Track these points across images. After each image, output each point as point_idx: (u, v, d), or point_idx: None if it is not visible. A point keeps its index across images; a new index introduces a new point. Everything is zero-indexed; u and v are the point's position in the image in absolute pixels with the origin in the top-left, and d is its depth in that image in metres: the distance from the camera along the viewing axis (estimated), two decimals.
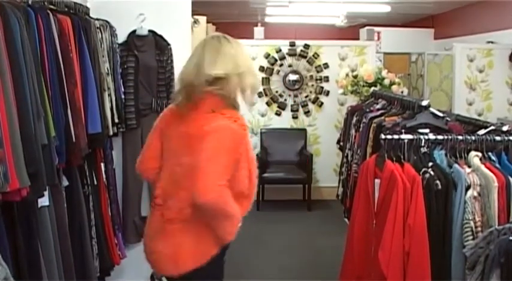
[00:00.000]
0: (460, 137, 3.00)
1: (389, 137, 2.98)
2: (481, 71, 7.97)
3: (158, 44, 4.74)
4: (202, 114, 2.72)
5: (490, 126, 3.27)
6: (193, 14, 5.09)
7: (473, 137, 2.98)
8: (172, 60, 4.76)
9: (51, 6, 3.40)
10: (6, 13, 2.69)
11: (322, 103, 7.94)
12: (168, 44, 4.75)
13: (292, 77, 7.94)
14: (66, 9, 3.63)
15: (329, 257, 5.32)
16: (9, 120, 2.54)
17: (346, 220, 5.51)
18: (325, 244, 6.00)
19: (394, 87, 6.60)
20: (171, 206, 2.82)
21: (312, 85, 7.97)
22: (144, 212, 4.92)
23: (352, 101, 7.22)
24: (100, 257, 4.10)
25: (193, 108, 2.76)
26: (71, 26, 3.52)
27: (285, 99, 8.03)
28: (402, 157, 2.94)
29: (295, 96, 8.00)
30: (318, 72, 7.91)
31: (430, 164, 2.86)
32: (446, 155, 2.95)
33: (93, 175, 4.13)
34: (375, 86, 6.63)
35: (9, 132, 2.53)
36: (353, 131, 4.76)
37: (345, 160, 5.08)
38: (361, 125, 4.47)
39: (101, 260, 4.11)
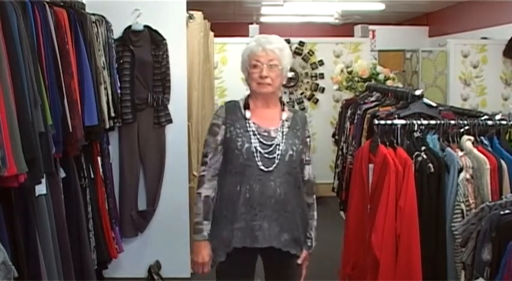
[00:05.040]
0: (453, 122, 3.03)
1: (382, 122, 3.01)
2: (475, 67, 8.00)
3: (154, 39, 4.77)
4: None
5: (483, 115, 3.31)
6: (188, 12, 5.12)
7: (465, 122, 3.02)
8: (167, 55, 4.81)
9: (48, 0, 3.43)
10: (3, 4, 2.73)
11: (317, 100, 7.96)
12: (164, 39, 4.79)
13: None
14: (62, 3, 3.67)
15: (326, 252, 5.33)
16: (7, 107, 2.58)
17: (341, 213, 5.53)
18: (322, 239, 6.00)
19: (388, 82, 6.63)
20: None
21: (307, 82, 7.99)
22: (141, 206, 4.96)
23: (347, 97, 7.25)
24: (97, 250, 4.13)
25: None
26: (67, 18, 3.56)
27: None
28: (395, 141, 2.97)
29: (291, 93, 8.02)
30: (313, 69, 7.93)
31: (423, 148, 2.89)
32: (439, 139, 2.99)
33: (90, 168, 4.16)
34: (370, 81, 6.66)
35: (7, 119, 2.56)
36: (348, 124, 4.78)
37: (340, 152, 5.10)
38: (356, 117, 4.49)
39: (98, 253, 4.14)
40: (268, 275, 3.10)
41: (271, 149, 2.83)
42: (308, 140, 3.01)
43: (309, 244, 3.01)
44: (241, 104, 2.96)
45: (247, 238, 2.83)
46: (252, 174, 2.82)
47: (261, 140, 2.84)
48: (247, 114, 2.91)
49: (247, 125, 2.88)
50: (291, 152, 2.85)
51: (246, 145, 2.83)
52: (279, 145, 2.84)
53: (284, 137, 2.87)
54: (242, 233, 2.82)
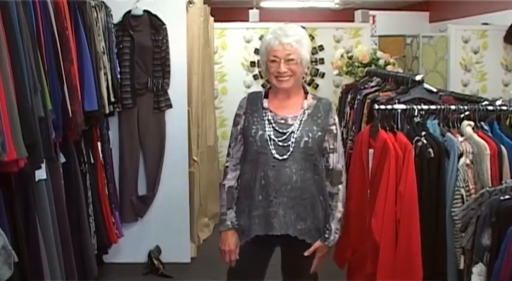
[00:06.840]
0: (453, 107, 3.03)
1: (382, 107, 3.00)
2: (475, 53, 7.98)
3: (153, 24, 4.76)
4: None
5: (484, 101, 3.30)
6: None
7: (466, 107, 3.01)
8: (167, 40, 4.80)
9: None
10: None
11: (317, 85, 7.93)
12: (163, 24, 4.78)
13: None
14: None
15: None
16: (7, 93, 2.58)
17: None
18: None
19: (389, 68, 6.61)
20: None
21: (307, 67, 7.96)
22: (141, 191, 4.97)
23: (347, 82, 7.23)
24: (97, 235, 4.15)
25: None
26: (67, 4, 3.55)
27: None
28: (395, 126, 2.96)
29: None
30: (313, 54, 7.88)
31: (423, 133, 2.88)
32: (439, 124, 2.98)
33: (90, 153, 4.17)
34: (370, 66, 6.64)
35: (7, 104, 2.56)
36: (348, 109, 4.77)
37: None
38: (356, 102, 4.47)
39: (98, 238, 4.16)
40: (284, 264, 3.11)
41: (285, 136, 2.81)
42: (333, 127, 2.91)
43: (326, 235, 2.90)
44: (263, 94, 2.97)
45: (264, 225, 2.82)
46: (267, 161, 2.81)
47: (276, 128, 2.83)
48: (265, 103, 2.91)
49: (264, 113, 2.88)
50: (306, 139, 2.80)
51: (260, 132, 2.83)
52: (294, 132, 2.81)
53: (301, 124, 2.83)
54: (260, 221, 2.83)
